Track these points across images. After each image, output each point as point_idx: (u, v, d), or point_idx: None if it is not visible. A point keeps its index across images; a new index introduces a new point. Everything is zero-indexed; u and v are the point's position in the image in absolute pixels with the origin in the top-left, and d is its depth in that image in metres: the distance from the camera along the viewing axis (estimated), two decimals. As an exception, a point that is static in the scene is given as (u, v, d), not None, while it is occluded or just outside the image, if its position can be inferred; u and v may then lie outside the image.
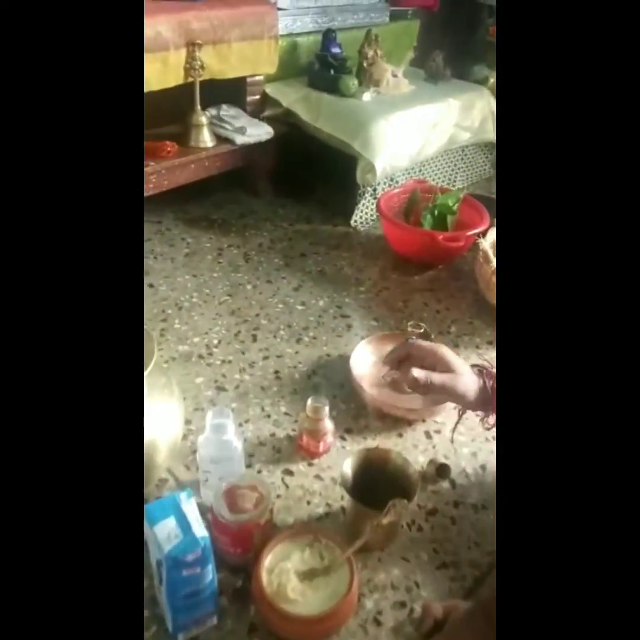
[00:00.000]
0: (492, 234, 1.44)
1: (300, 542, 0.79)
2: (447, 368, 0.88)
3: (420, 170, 1.89)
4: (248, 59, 1.66)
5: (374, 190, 1.73)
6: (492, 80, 2.47)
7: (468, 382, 0.88)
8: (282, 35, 1.78)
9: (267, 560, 0.77)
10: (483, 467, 1.02)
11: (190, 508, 0.71)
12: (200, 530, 0.69)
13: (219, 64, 1.58)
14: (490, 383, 0.88)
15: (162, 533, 0.68)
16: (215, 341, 1.27)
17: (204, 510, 0.88)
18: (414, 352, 0.90)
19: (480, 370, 0.90)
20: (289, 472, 0.99)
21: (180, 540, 0.67)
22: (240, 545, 0.81)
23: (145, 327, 1.23)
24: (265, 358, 1.23)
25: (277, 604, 0.72)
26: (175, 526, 0.69)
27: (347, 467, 0.88)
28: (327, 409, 0.99)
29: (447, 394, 0.88)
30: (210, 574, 0.71)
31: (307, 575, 0.76)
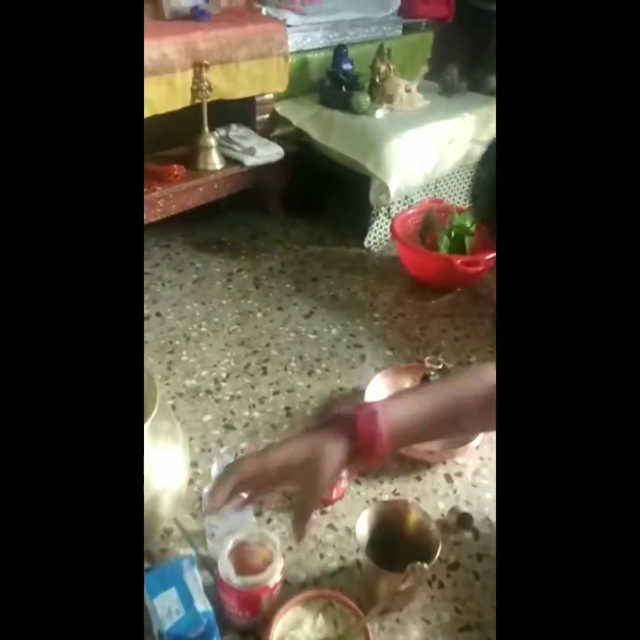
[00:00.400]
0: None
1: (312, 607, 0.74)
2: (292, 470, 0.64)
3: (436, 188, 1.83)
4: (257, 77, 1.61)
5: (388, 209, 1.68)
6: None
7: (325, 465, 0.63)
8: (291, 53, 1.73)
9: (278, 629, 0.71)
10: (507, 514, 0.96)
11: (192, 577, 0.66)
12: (202, 603, 0.64)
13: (227, 84, 1.53)
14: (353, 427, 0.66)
15: (162, 607, 0.63)
16: (224, 374, 1.22)
17: (211, 563, 0.83)
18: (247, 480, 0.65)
19: (339, 428, 0.67)
20: (301, 521, 0.94)
21: (181, 616, 0.62)
22: (248, 608, 0.76)
23: (150, 364, 1.20)
24: (276, 393, 1.18)
25: (288, 680, 0.66)
26: (176, 599, 0.64)
27: (362, 524, 0.82)
28: (340, 453, 0.93)
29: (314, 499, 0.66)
30: None
31: (320, 646, 0.70)
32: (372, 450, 0.65)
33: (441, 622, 0.81)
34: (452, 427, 0.75)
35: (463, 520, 0.92)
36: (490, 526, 0.94)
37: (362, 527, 0.82)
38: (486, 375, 0.76)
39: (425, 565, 0.73)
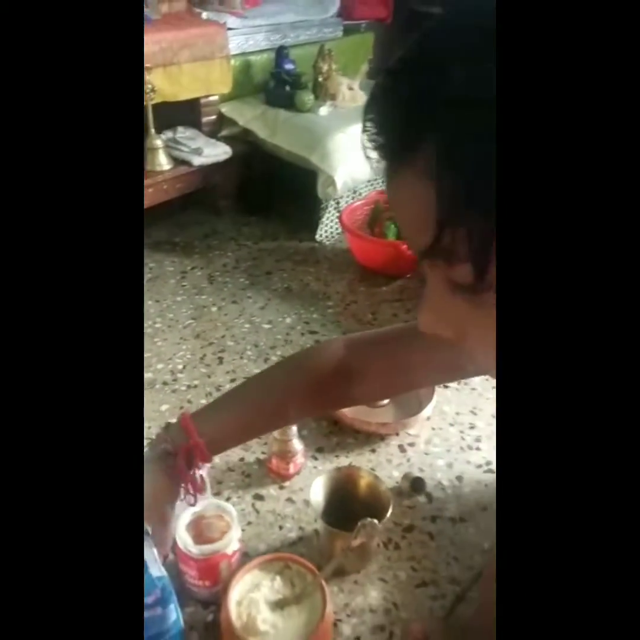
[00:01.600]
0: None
1: (270, 570, 0.76)
2: None
3: (384, 182, 1.88)
4: (200, 79, 1.64)
5: (338, 203, 1.72)
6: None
7: (155, 516, 0.73)
8: (234, 55, 1.77)
9: (235, 592, 0.73)
10: (459, 479, 1.00)
11: (146, 546, 0.67)
12: (157, 570, 0.65)
13: (170, 86, 1.56)
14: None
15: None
16: (180, 366, 1.23)
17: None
18: None
19: (162, 466, 0.73)
20: (260, 497, 0.96)
21: (137, 581, 0.64)
22: (207, 577, 0.77)
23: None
24: (233, 380, 1.20)
25: (247, 637, 0.68)
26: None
27: (317, 489, 0.85)
28: (295, 428, 0.96)
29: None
30: (173, 613, 0.67)
31: (278, 605, 0.72)
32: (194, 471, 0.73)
33: (398, 581, 0.84)
34: (275, 420, 0.82)
35: (416, 484, 0.95)
36: (443, 490, 0.98)
37: (317, 494, 0.85)
38: (309, 359, 0.80)
39: (375, 521, 0.76)
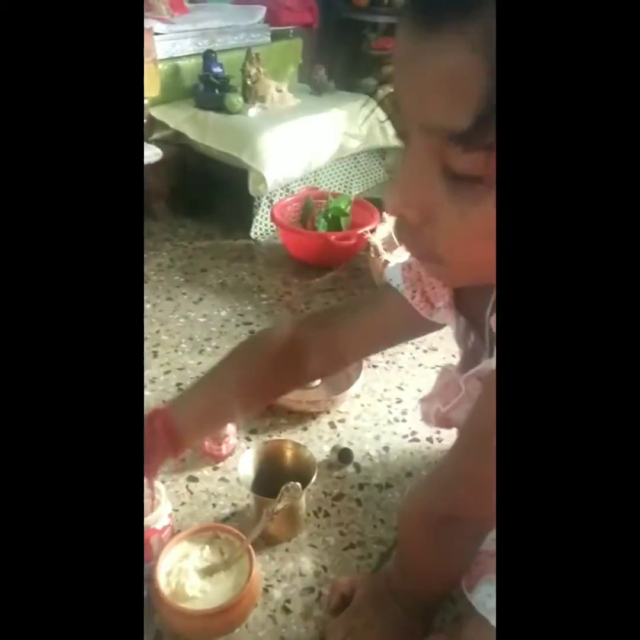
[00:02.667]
0: (381, 230, 1.49)
1: (199, 541, 0.78)
2: None
3: (315, 180, 1.94)
4: (128, 83, 1.66)
5: (271, 201, 1.76)
6: (381, 91, 2.59)
7: None
8: (162, 59, 1.80)
9: (165, 563, 0.75)
10: (386, 448, 1.05)
11: None
12: None
13: (97, 89, 1.57)
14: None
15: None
16: (114, 362, 1.24)
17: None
18: None
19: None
20: (193, 479, 0.98)
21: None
22: (139, 554, 0.79)
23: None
24: (167, 372, 1.22)
25: (176, 603, 0.70)
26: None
27: (245, 463, 0.88)
28: (225, 410, 0.98)
29: None
30: None
31: (207, 572, 0.75)
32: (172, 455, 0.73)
33: (327, 546, 0.88)
34: (251, 399, 0.80)
35: (343, 455, 0.99)
36: (370, 460, 1.02)
37: (246, 467, 0.88)
38: (263, 340, 0.82)
39: (298, 484, 0.79)
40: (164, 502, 0.81)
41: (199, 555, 0.77)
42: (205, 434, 0.91)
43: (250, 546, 0.76)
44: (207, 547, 0.78)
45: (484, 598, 0.60)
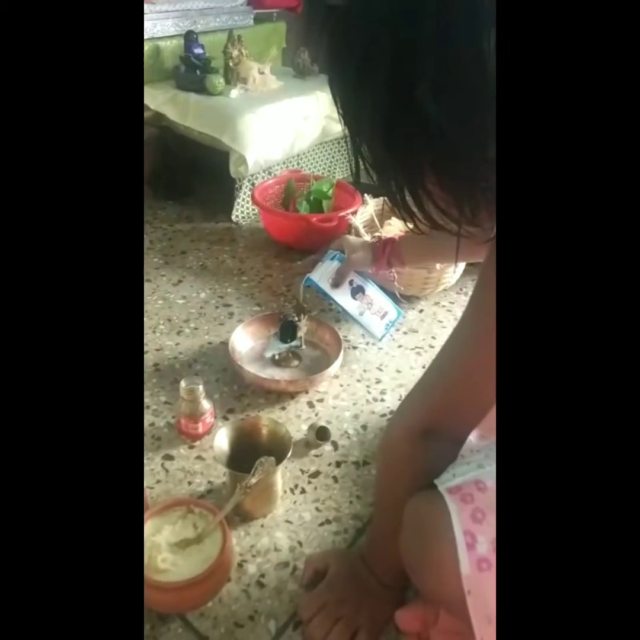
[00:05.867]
0: (362, 213, 1.49)
1: (172, 516, 0.78)
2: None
3: (298, 164, 1.92)
4: (107, 62, 1.63)
5: (253, 184, 1.74)
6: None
7: (360, 258, 1.11)
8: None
9: (138, 538, 0.74)
10: (364, 427, 1.04)
11: None
12: None
13: (74, 67, 1.54)
14: (379, 247, 1.09)
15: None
16: (91, 342, 1.23)
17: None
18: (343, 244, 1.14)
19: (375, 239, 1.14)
20: (169, 457, 0.97)
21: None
22: (112, 530, 0.78)
23: None
24: (144, 353, 1.21)
25: (147, 576, 0.70)
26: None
27: (221, 440, 0.87)
28: (201, 388, 0.98)
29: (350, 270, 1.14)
30: None
31: (180, 546, 0.74)
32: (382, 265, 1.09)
33: (303, 521, 0.87)
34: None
35: (321, 433, 0.99)
36: (348, 438, 1.02)
37: (221, 443, 0.87)
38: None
39: (272, 458, 0.79)
40: (137, 477, 0.80)
41: (172, 529, 0.76)
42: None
43: (223, 520, 0.76)
44: (180, 521, 0.77)
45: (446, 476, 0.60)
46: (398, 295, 1.24)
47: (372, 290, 1.16)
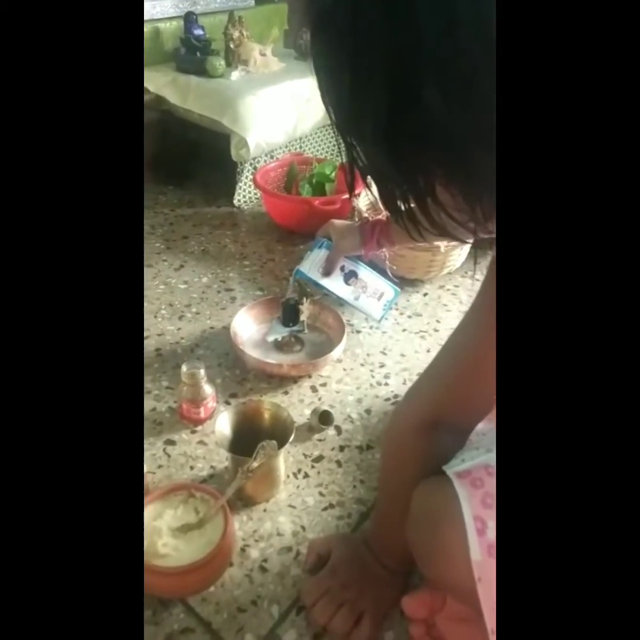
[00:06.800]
0: (366, 194, 1.46)
1: (173, 500, 0.77)
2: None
3: (300, 147, 1.90)
4: (106, 44, 1.61)
5: (254, 168, 1.72)
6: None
7: (348, 242, 1.05)
8: (142, 21, 1.74)
9: (138, 523, 0.74)
10: (368, 411, 1.03)
11: None
12: None
13: (72, 49, 1.52)
14: (367, 229, 1.03)
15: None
16: (92, 327, 1.21)
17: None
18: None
19: (362, 221, 1.06)
20: (171, 442, 0.96)
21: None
22: (113, 515, 0.77)
23: None
24: (146, 338, 1.19)
25: (148, 561, 0.69)
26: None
27: (222, 424, 0.86)
28: (203, 372, 0.96)
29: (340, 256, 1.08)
30: None
31: (181, 530, 0.73)
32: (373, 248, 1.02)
33: (306, 506, 0.87)
34: None
35: (324, 417, 0.98)
36: (351, 422, 1.01)
37: (222, 427, 0.86)
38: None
39: (274, 442, 0.78)
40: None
41: (173, 514, 0.75)
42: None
43: (225, 504, 0.75)
44: (181, 506, 0.76)
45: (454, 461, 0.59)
46: (390, 274, 1.21)
47: (365, 273, 1.13)
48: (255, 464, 0.77)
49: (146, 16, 1.79)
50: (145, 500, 0.76)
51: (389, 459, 0.70)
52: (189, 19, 1.80)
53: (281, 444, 0.82)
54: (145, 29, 1.78)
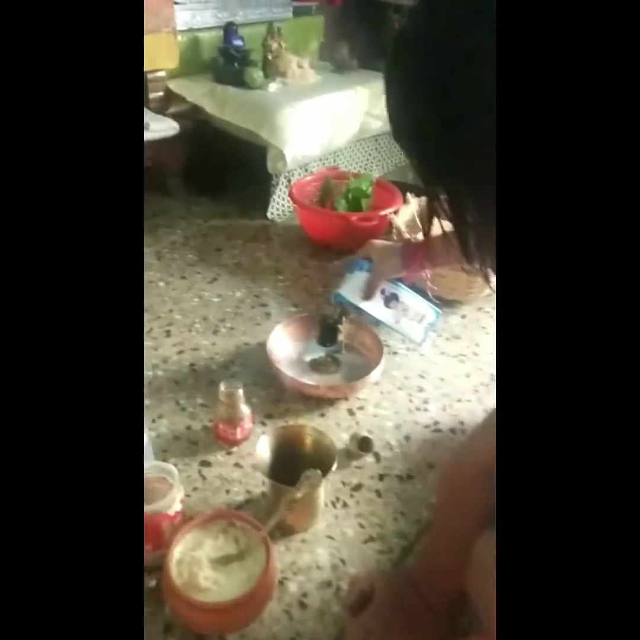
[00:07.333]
0: (404, 212, 1.44)
1: (213, 529, 0.74)
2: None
3: (334, 160, 1.88)
4: (146, 53, 1.60)
5: (289, 181, 1.71)
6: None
7: (388, 266, 1.05)
8: (182, 31, 1.74)
9: (177, 551, 0.71)
10: (407, 438, 1.00)
11: None
12: None
13: (113, 58, 1.52)
14: (408, 251, 1.04)
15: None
16: (126, 340, 1.20)
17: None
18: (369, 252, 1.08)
19: (404, 243, 1.08)
20: (207, 463, 0.94)
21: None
22: (150, 540, 0.75)
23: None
24: (180, 352, 1.18)
25: (188, 595, 0.66)
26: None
27: (262, 448, 0.84)
28: (241, 392, 0.94)
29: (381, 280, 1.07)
30: None
31: (221, 562, 0.71)
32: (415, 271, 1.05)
33: (345, 538, 0.84)
34: None
35: (363, 443, 0.95)
36: (391, 450, 0.98)
37: (263, 452, 0.83)
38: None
39: (318, 471, 0.75)
40: (176, 486, 0.77)
41: (213, 544, 0.73)
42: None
43: (267, 536, 0.72)
44: (221, 536, 0.74)
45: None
46: (430, 295, 1.18)
47: (406, 296, 1.11)
48: (298, 495, 0.74)
49: (185, 25, 1.78)
50: (184, 528, 0.73)
51: (450, 506, 0.67)
52: (230, 29, 1.79)
53: (323, 471, 0.79)
54: (184, 39, 1.78)
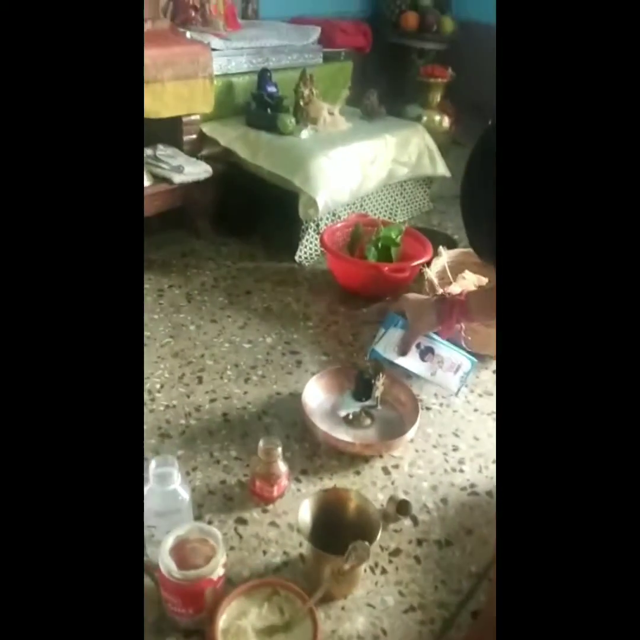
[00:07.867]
0: (436, 263, 1.45)
1: (257, 597, 0.73)
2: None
3: (361, 206, 1.90)
4: (183, 98, 1.64)
5: (317, 225, 1.72)
6: (426, 118, 2.56)
7: (424, 323, 1.07)
8: (217, 75, 1.78)
9: (222, 620, 0.70)
10: (444, 501, 0.99)
11: None
12: None
13: (152, 103, 1.55)
14: (445, 307, 1.05)
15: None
16: (158, 385, 1.20)
17: (151, 568, 0.81)
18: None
19: (439, 298, 1.09)
20: (243, 521, 0.93)
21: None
22: (191, 605, 0.74)
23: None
24: (213, 400, 1.17)
25: (235, 669, 0.65)
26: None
27: (305, 512, 0.83)
28: (279, 450, 0.94)
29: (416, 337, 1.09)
30: None
31: (267, 633, 0.70)
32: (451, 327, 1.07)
33: (386, 606, 0.82)
34: None
35: (402, 507, 0.94)
36: (428, 513, 0.97)
37: (305, 515, 0.83)
38: None
39: (366, 543, 0.74)
40: (220, 550, 0.76)
41: (258, 613, 0.72)
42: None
43: (314, 608, 0.71)
44: (266, 604, 0.73)
45: None
46: (465, 345, 1.19)
47: (441, 348, 1.11)
48: (346, 567, 0.73)
49: (221, 70, 1.82)
50: (230, 596, 0.72)
51: None
52: (264, 76, 1.83)
53: (366, 539, 0.78)
54: (219, 83, 1.81)
